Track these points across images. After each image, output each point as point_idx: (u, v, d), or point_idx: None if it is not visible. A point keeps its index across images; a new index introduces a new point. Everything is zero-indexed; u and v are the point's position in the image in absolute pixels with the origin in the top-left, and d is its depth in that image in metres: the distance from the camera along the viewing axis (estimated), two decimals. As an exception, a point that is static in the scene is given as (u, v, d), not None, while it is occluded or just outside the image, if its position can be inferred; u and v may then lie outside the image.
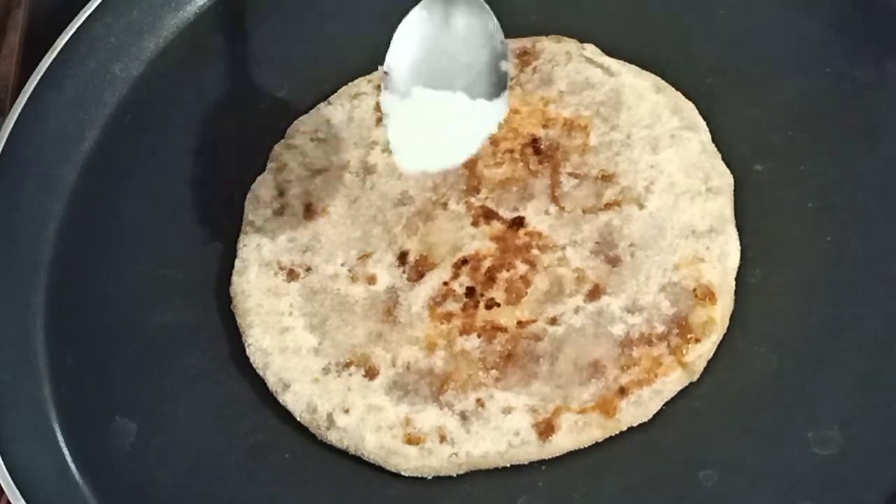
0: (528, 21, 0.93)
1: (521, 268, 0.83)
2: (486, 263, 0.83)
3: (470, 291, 0.82)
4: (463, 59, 0.80)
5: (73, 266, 0.90)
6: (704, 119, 0.88)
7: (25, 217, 0.91)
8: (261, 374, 0.82)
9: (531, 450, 0.77)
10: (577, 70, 0.91)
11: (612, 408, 0.77)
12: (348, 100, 0.93)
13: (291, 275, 0.85)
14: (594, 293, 0.81)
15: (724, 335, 0.80)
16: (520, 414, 0.78)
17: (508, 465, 0.78)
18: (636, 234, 0.83)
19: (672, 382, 0.78)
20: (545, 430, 0.77)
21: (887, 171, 0.85)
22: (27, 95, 0.92)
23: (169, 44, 1.00)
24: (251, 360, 0.83)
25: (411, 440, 0.78)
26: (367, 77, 0.94)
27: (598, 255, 0.83)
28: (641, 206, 0.84)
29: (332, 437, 0.79)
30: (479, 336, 0.81)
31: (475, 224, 0.85)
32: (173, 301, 0.87)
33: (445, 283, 0.83)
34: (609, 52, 0.92)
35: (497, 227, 0.85)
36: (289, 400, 0.81)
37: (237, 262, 0.87)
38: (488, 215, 0.85)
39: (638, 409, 0.77)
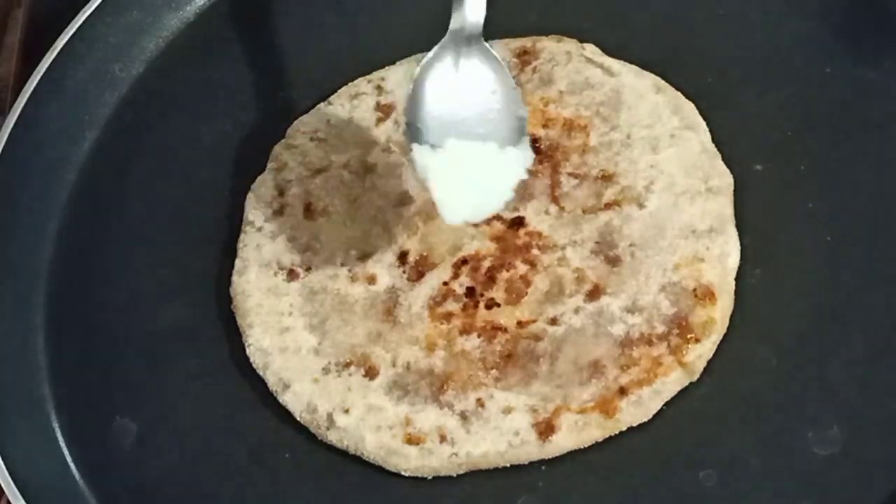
0: (528, 21, 0.93)
1: (521, 268, 0.83)
2: (486, 263, 0.83)
3: (470, 291, 0.82)
4: (479, 106, 0.80)
5: (73, 266, 0.90)
6: (704, 119, 0.87)
7: (25, 217, 0.91)
8: (261, 374, 0.82)
9: (531, 450, 0.77)
10: (577, 70, 0.91)
11: (612, 408, 0.77)
12: (348, 100, 0.93)
13: (291, 275, 0.85)
14: (594, 293, 0.81)
15: (724, 335, 0.80)
16: (520, 414, 0.78)
17: (508, 465, 0.78)
18: (636, 234, 0.83)
19: (672, 382, 0.78)
20: (545, 430, 0.77)
21: (887, 172, 0.85)
22: (27, 95, 0.92)
23: (169, 44, 1.00)
24: (251, 360, 0.83)
25: (411, 440, 0.78)
26: (367, 77, 0.94)
27: (598, 255, 0.83)
28: (641, 206, 0.84)
29: (332, 437, 0.79)
30: (479, 336, 0.81)
31: (475, 224, 0.85)
32: (173, 301, 0.87)
33: (445, 283, 0.83)
34: (609, 52, 0.92)
35: (497, 226, 0.85)
36: (289, 400, 0.81)
37: (237, 262, 0.87)
38: (488, 215, 0.85)
39: (638, 409, 0.77)
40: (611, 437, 0.77)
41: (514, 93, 0.81)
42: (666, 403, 0.78)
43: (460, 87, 0.80)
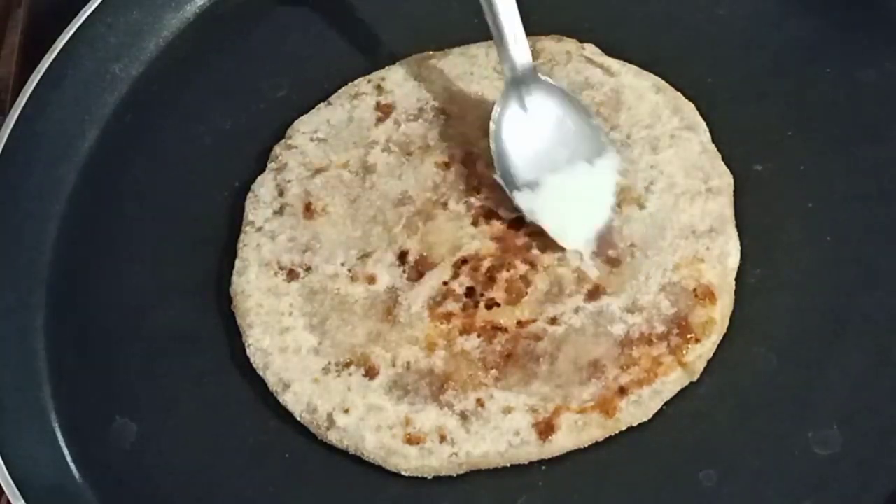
0: (528, 21, 0.93)
1: (521, 268, 0.83)
2: (486, 263, 0.83)
3: (470, 291, 0.82)
4: (556, 134, 0.85)
5: (73, 266, 0.90)
6: (704, 119, 0.88)
7: (25, 217, 0.91)
8: (261, 374, 0.82)
9: (531, 450, 0.77)
10: (577, 70, 0.91)
11: (611, 408, 0.77)
12: (348, 100, 0.93)
13: (291, 275, 0.85)
14: (594, 293, 0.81)
15: (724, 335, 0.80)
16: (520, 414, 0.78)
17: (508, 465, 0.78)
18: (636, 234, 0.83)
19: (672, 382, 0.78)
20: (545, 429, 0.77)
21: (887, 171, 0.85)
22: (27, 95, 0.93)
23: (169, 44, 1.00)
24: (251, 360, 0.83)
25: (411, 440, 0.78)
26: (367, 77, 0.94)
27: (598, 255, 0.83)
28: (641, 207, 0.84)
29: (332, 437, 0.79)
30: (479, 336, 0.81)
31: (475, 224, 0.85)
32: (173, 301, 0.87)
33: (445, 283, 0.83)
34: (609, 52, 0.92)
35: (497, 226, 0.85)
36: (289, 400, 0.81)
37: (237, 262, 0.87)
38: (488, 215, 0.85)
39: (638, 409, 0.77)
40: (611, 437, 0.77)
41: (582, 110, 0.85)
42: (666, 403, 0.78)
43: (533, 124, 0.85)
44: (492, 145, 0.84)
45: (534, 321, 0.81)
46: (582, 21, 0.94)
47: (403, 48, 0.94)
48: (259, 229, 0.88)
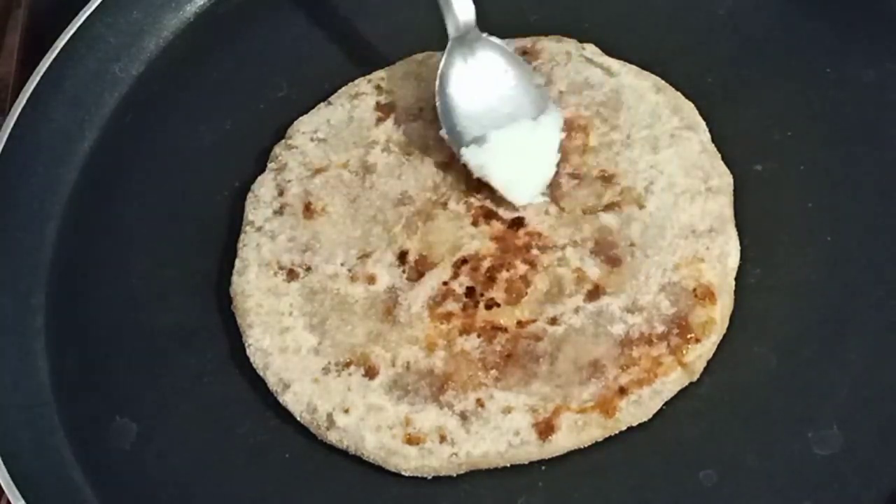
0: (528, 21, 0.93)
1: (521, 268, 0.83)
2: (486, 263, 0.83)
3: (470, 291, 0.82)
4: (499, 90, 0.87)
5: (73, 266, 0.91)
6: (704, 119, 0.88)
7: (25, 217, 0.91)
8: (261, 374, 0.82)
9: (531, 450, 0.77)
10: (577, 70, 0.91)
11: (611, 407, 0.77)
12: (348, 100, 0.93)
13: (291, 275, 0.85)
14: (594, 293, 0.81)
15: (724, 335, 0.80)
16: (520, 414, 0.78)
17: (508, 465, 0.78)
18: (636, 234, 0.83)
19: (672, 382, 0.78)
20: (545, 429, 0.77)
21: (887, 171, 0.85)
22: (27, 95, 0.93)
23: (169, 44, 1.00)
24: (251, 360, 0.83)
25: (411, 440, 0.78)
26: (367, 77, 0.94)
27: (598, 255, 0.83)
28: (641, 206, 0.84)
29: (332, 437, 0.79)
30: (479, 336, 0.81)
31: (475, 224, 0.85)
32: (173, 301, 0.87)
33: (445, 283, 0.83)
34: (609, 52, 0.92)
35: (497, 226, 0.85)
36: (289, 400, 0.81)
37: (237, 262, 0.87)
38: (488, 215, 0.85)
39: (638, 409, 0.77)
40: (611, 436, 0.77)
41: (524, 66, 0.88)
42: (666, 403, 0.78)
43: (477, 80, 0.87)
44: (437, 102, 0.86)
45: (534, 321, 0.81)
46: (582, 21, 0.94)
47: (403, 48, 0.94)
48: (259, 229, 0.88)
